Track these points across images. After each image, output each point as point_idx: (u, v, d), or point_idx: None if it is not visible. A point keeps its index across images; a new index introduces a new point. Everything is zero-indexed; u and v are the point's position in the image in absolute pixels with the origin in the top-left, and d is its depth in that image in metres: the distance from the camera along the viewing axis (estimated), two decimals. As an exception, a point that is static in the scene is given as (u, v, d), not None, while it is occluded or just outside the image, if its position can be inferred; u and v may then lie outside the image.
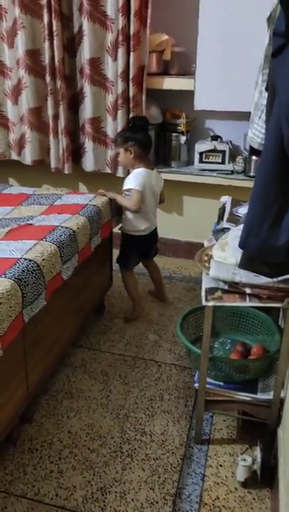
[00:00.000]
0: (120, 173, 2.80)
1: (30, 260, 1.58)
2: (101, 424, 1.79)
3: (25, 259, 1.58)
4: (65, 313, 1.95)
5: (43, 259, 1.63)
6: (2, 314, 1.37)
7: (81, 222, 1.96)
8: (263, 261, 1.32)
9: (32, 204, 2.17)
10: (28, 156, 2.93)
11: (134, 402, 1.90)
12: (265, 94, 1.37)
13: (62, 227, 1.87)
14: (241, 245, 1.31)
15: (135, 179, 2.20)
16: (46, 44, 2.62)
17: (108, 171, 2.83)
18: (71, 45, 2.68)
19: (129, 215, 2.28)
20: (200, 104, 2.52)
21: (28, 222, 1.93)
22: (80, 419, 1.81)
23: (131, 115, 2.64)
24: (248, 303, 1.42)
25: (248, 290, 1.42)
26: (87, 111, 2.75)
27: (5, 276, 1.47)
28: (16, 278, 1.47)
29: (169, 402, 1.90)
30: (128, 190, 2.22)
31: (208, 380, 1.62)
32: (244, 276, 1.41)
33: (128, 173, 2.33)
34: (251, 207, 1.24)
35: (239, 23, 2.28)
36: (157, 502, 1.49)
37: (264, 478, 1.53)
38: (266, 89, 1.32)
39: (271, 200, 1.17)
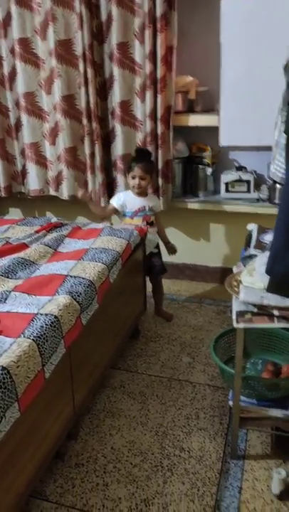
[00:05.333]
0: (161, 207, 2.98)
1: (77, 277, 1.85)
2: (142, 441, 1.91)
3: (70, 276, 1.85)
4: (104, 337, 2.10)
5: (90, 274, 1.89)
6: (64, 318, 1.59)
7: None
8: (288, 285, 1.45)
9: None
10: (65, 192, 3.15)
11: (172, 420, 2.01)
12: (285, 134, 1.53)
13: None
14: (268, 271, 1.44)
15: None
16: (82, 90, 2.86)
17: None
18: (103, 89, 2.92)
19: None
20: (225, 140, 2.69)
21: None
22: (121, 436, 1.93)
23: (160, 151, 2.84)
24: (276, 324, 1.54)
25: (276, 312, 1.54)
26: (118, 148, 2.96)
27: (58, 294, 1.69)
28: (68, 292, 1.72)
29: (204, 420, 2.01)
30: (156, 208, 2.67)
31: (242, 398, 1.74)
32: (272, 300, 1.54)
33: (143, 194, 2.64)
34: (276, 236, 1.38)
35: (259, 66, 2.47)
36: (197, 513, 1.59)
37: (299, 491, 1.61)
38: (285, 132, 1.48)
39: (293, 230, 1.31)
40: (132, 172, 2.55)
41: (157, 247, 2.73)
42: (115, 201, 2.65)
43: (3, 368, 1.29)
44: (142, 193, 2.61)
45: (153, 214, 2.64)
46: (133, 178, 2.55)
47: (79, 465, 1.80)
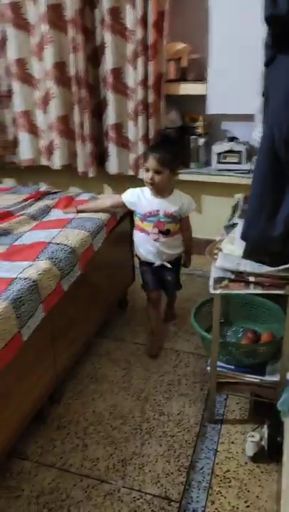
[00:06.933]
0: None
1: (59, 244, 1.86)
2: (123, 405, 1.95)
3: (53, 243, 1.86)
4: (88, 305, 2.12)
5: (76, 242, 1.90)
6: (43, 283, 1.61)
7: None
8: (263, 251, 1.45)
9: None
10: (56, 161, 3.14)
11: (154, 386, 2.05)
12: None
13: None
14: (243, 237, 1.44)
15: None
16: (71, 56, 2.82)
17: (131, 173, 3.00)
18: (94, 56, 2.87)
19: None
20: (212, 108, 2.66)
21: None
22: (104, 400, 1.97)
23: (150, 120, 2.80)
24: (251, 290, 1.55)
25: (251, 278, 1.55)
26: (110, 117, 2.93)
27: (39, 260, 1.72)
28: (48, 258, 1.74)
29: (185, 387, 2.04)
30: (183, 213, 2.11)
31: (220, 363, 1.76)
32: (248, 266, 1.54)
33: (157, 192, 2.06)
34: (250, 202, 1.38)
35: (247, 31, 2.41)
36: (172, 473, 1.64)
37: (272, 453, 1.64)
38: (263, 95, 1.46)
39: (266, 195, 1.30)
40: (146, 163, 2.00)
41: (174, 262, 2.22)
42: (127, 196, 2.12)
43: (-23, 328, 1.31)
44: (159, 191, 2.03)
45: (172, 221, 2.08)
46: (146, 170, 2.00)
47: (60, 427, 1.85)
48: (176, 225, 2.11)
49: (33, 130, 3.16)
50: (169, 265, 2.18)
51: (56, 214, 2.21)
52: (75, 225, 2.03)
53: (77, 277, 1.85)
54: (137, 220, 2.15)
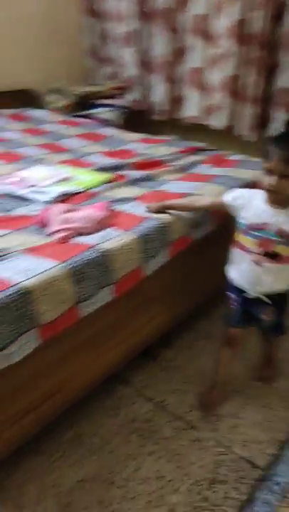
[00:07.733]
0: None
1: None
2: (231, 367, 1.94)
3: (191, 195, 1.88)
4: (215, 261, 2.08)
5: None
6: (173, 228, 1.67)
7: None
8: None
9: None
10: (219, 122, 3.12)
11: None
12: None
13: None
14: None
15: None
16: (255, 14, 2.72)
17: (293, 142, 2.83)
18: (278, 14, 2.72)
19: None
20: None
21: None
22: (212, 358, 1.99)
23: None
24: None
25: None
26: (282, 80, 2.79)
27: None
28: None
29: (301, 368, 1.94)
30: None
31: None
32: None
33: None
34: None
35: None
36: (264, 442, 1.60)
37: None
38: None
39: None
40: (267, 162, 1.40)
41: (277, 298, 1.58)
42: (233, 196, 1.58)
43: (105, 252, 1.42)
44: (278, 201, 1.45)
45: (287, 243, 1.46)
46: (268, 171, 1.40)
47: (166, 369, 1.92)
48: (283, 248, 1.49)
49: (202, 88, 3.17)
50: (267, 299, 1.58)
51: (204, 169, 2.22)
52: (219, 182, 2.02)
53: (207, 232, 1.86)
54: (237, 232, 1.58)
